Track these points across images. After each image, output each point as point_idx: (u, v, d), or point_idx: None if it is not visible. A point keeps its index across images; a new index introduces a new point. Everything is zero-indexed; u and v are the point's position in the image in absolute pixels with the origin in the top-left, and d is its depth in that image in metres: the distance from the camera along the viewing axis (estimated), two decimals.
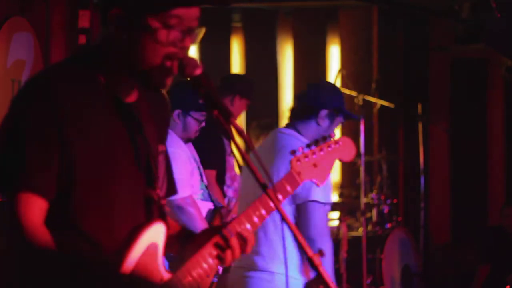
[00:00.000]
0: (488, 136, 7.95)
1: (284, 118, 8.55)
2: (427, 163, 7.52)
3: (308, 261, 1.99)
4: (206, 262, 2.16)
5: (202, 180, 4.43)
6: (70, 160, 1.99)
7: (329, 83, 5.08)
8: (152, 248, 2.10)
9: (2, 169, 2.00)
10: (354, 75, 7.88)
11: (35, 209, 1.98)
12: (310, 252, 1.99)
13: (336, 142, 2.61)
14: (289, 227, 2.00)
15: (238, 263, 3.66)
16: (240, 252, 2.20)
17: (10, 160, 1.98)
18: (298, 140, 3.71)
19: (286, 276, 3.30)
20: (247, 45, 8.48)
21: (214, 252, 2.17)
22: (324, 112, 3.80)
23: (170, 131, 2.37)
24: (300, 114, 3.85)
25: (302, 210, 3.65)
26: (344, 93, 7.40)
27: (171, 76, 2.06)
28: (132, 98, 2.13)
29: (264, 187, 2.03)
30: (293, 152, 2.48)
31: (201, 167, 4.46)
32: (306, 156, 2.50)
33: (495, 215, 7.10)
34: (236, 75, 6.29)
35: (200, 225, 4.18)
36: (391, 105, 7.29)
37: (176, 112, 4.37)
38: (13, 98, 2.06)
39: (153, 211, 2.14)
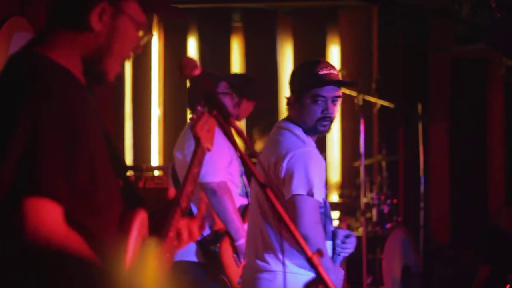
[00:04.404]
0: (488, 136, 7.94)
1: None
2: (427, 163, 7.52)
3: (307, 261, 1.98)
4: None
5: (241, 176, 4.44)
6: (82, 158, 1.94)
7: None
8: (143, 240, 2.05)
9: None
10: (354, 75, 7.88)
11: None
12: (309, 252, 1.99)
13: None
14: (287, 226, 1.99)
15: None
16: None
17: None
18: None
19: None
20: (247, 45, 8.47)
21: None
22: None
23: None
24: None
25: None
26: (344, 93, 7.44)
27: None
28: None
29: (263, 186, 2.03)
30: (195, 120, 2.35)
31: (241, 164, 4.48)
32: (206, 122, 2.37)
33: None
34: (240, 76, 6.24)
35: (230, 211, 4.19)
36: (391, 105, 7.28)
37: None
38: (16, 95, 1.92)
39: (127, 197, 2.11)
